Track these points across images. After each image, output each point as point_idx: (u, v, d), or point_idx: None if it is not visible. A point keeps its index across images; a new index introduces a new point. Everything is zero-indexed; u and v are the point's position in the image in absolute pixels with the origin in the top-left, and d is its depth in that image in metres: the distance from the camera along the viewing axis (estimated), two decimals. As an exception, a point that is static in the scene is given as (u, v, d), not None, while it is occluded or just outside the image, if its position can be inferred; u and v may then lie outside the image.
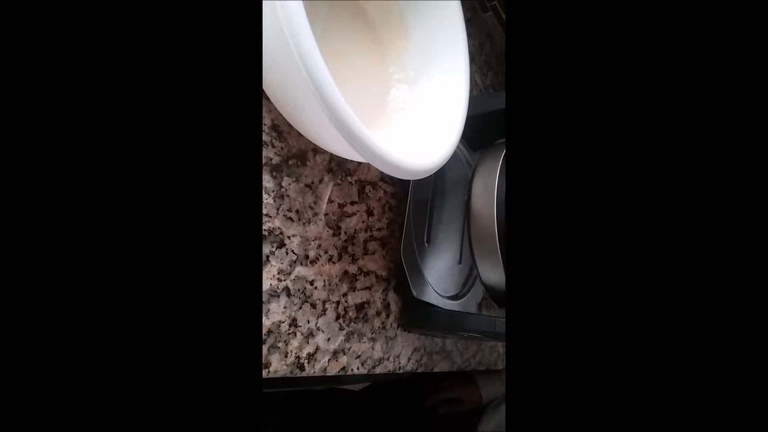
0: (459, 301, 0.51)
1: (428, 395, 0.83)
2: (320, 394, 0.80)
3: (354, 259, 0.40)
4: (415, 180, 0.45)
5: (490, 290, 0.41)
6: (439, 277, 0.48)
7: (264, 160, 0.32)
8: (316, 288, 0.36)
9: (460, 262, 0.55)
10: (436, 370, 0.52)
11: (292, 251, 0.34)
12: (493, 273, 0.40)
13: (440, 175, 0.52)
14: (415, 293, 0.42)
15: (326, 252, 0.37)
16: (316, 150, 0.37)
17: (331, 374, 0.36)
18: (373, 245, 0.43)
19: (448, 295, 0.50)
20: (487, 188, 0.41)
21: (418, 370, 0.48)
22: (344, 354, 0.37)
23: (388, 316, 0.44)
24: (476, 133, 0.54)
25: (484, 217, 0.40)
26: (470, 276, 0.55)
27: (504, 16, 0.76)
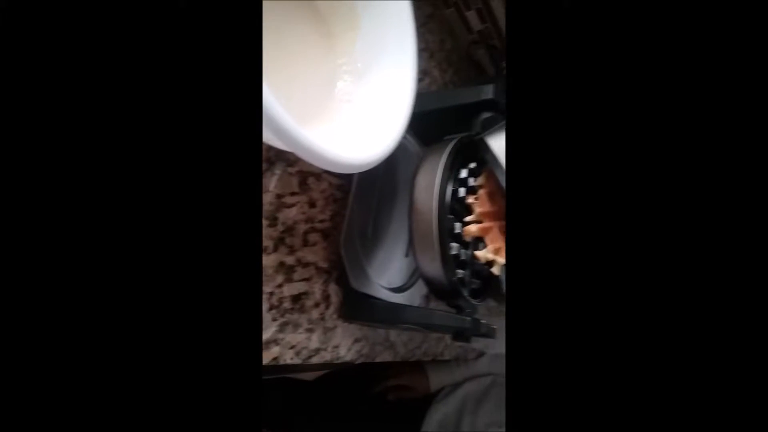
0: (403, 294, 0.52)
1: (378, 382, 0.85)
2: (272, 384, 0.80)
3: (292, 251, 0.40)
4: (359, 173, 0.45)
5: (428, 282, 0.42)
6: (382, 269, 0.49)
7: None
8: (249, 278, 0.35)
9: (407, 255, 0.56)
10: (378, 360, 0.53)
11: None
12: (431, 266, 0.41)
13: (390, 169, 0.52)
14: (353, 285, 0.42)
15: (262, 242, 0.37)
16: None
17: (263, 364, 0.36)
18: (314, 237, 0.43)
19: (391, 287, 0.51)
20: (429, 183, 0.41)
21: (358, 361, 0.49)
22: (276, 344, 0.38)
23: (327, 307, 0.44)
24: (429, 129, 0.55)
25: (424, 212, 0.41)
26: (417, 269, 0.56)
27: (466, 12, 0.77)
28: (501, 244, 0.43)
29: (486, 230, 0.43)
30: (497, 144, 0.42)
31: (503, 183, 0.40)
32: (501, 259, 0.42)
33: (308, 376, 0.89)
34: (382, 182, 0.51)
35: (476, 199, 0.45)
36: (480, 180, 0.46)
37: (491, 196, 0.47)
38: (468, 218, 0.43)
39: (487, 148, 0.41)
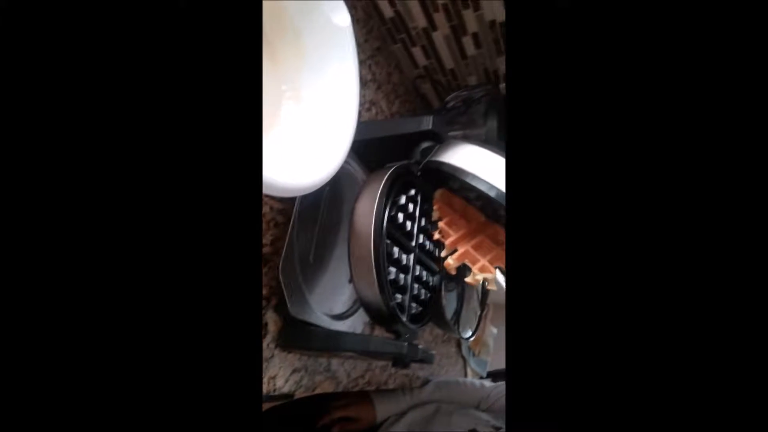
0: (345, 321, 0.52)
1: (323, 415, 0.82)
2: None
3: (227, 275, 0.38)
4: (301, 197, 0.45)
5: (366, 308, 0.42)
6: (323, 296, 0.48)
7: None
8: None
9: (351, 281, 0.56)
10: (318, 391, 0.51)
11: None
12: (369, 290, 0.41)
13: (335, 196, 0.53)
14: (291, 311, 0.41)
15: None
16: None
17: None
18: (252, 261, 0.41)
19: (333, 314, 0.50)
20: (368, 209, 0.42)
21: (297, 392, 0.47)
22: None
23: (264, 336, 0.42)
24: (374, 157, 0.56)
25: (362, 237, 0.41)
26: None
27: (411, 48, 0.81)
28: (482, 260, 0.45)
29: (463, 256, 0.45)
30: (454, 158, 0.45)
31: (478, 186, 0.41)
32: (490, 274, 0.44)
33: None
34: (327, 207, 0.51)
35: (440, 233, 0.47)
36: (435, 214, 0.48)
37: (451, 224, 0.48)
38: (443, 254, 0.45)
39: (443, 169, 0.44)
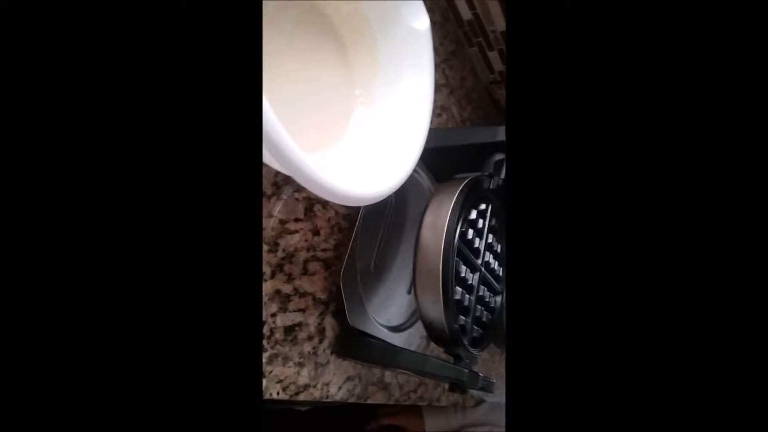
0: (402, 333, 0.50)
1: (371, 419, 0.81)
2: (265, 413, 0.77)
3: (290, 279, 0.38)
4: (366, 205, 0.44)
5: (427, 326, 0.40)
6: (382, 306, 0.47)
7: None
8: (241, 305, 0.34)
9: (410, 292, 0.54)
10: (370, 401, 0.50)
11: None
12: (432, 308, 0.39)
13: (399, 204, 0.51)
14: (350, 320, 0.41)
15: (259, 268, 0.35)
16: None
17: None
18: (314, 266, 0.41)
19: (390, 325, 0.49)
20: (437, 222, 0.40)
21: (349, 401, 0.46)
22: (263, 377, 0.36)
23: (321, 341, 0.42)
24: (443, 166, 0.54)
25: (430, 251, 0.39)
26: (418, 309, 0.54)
27: (488, 52, 0.77)
28: None
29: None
30: None
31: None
32: None
33: (301, 406, 0.86)
34: (391, 216, 0.50)
35: None
36: None
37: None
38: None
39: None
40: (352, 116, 0.42)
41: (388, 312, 0.49)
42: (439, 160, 0.53)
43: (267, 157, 0.33)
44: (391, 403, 0.55)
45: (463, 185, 0.42)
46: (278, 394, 0.38)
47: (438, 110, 0.69)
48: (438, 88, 0.71)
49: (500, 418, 0.82)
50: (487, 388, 0.38)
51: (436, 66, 0.70)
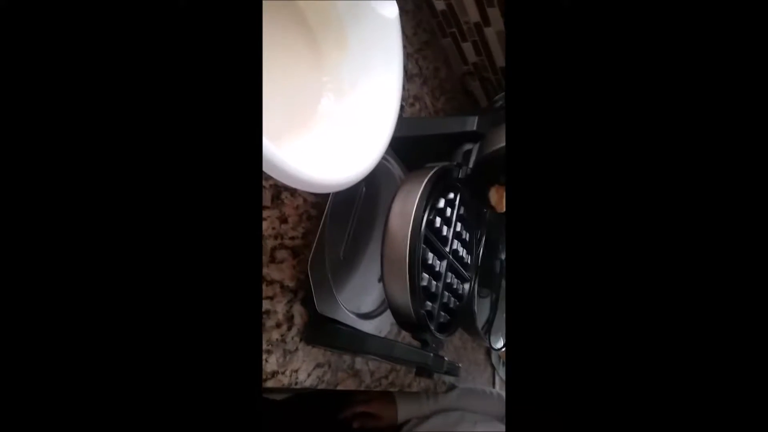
0: (373, 320, 0.51)
1: (345, 407, 0.82)
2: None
3: (256, 267, 0.38)
4: (335, 193, 0.44)
5: (395, 312, 0.41)
6: (352, 294, 0.48)
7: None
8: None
9: (380, 280, 0.54)
10: (340, 388, 0.51)
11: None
12: (399, 294, 0.39)
13: (371, 194, 0.52)
14: (318, 308, 0.41)
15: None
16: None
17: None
18: (282, 254, 0.41)
19: (360, 312, 0.49)
20: (405, 209, 0.40)
21: (319, 387, 0.47)
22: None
23: (290, 329, 0.42)
24: (413, 155, 0.55)
25: (397, 238, 0.40)
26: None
27: (462, 44, 0.78)
28: None
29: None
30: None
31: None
32: None
33: (277, 396, 0.86)
34: (362, 205, 0.50)
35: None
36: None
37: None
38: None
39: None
40: (320, 103, 0.42)
41: (359, 300, 0.49)
42: (411, 149, 0.53)
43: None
44: (362, 389, 0.55)
45: (431, 174, 0.42)
46: (245, 381, 0.38)
47: (411, 100, 0.69)
48: (411, 77, 0.71)
49: (471, 403, 0.84)
50: (453, 372, 0.39)
51: (410, 56, 0.70)
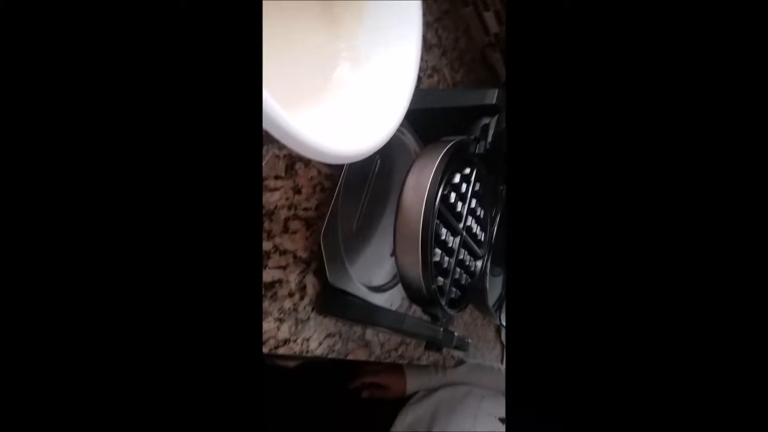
0: (384, 293, 0.51)
1: (355, 377, 0.84)
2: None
3: (269, 236, 0.38)
4: (349, 165, 0.44)
5: (406, 287, 0.41)
6: (364, 267, 0.48)
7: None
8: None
9: (392, 255, 0.54)
10: (350, 358, 0.52)
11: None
12: (411, 269, 0.39)
13: (385, 167, 0.51)
14: (330, 279, 0.41)
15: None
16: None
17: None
18: (295, 224, 0.41)
19: (372, 285, 0.49)
20: (419, 184, 0.40)
21: (329, 356, 0.48)
22: (241, 331, 0.36)
23: (302, 298, 0.43)
24: (430, 128, 0.53)
25: (410, 212, 0.39)
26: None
27: (484, 13, 0.75)
28: None
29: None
30: None
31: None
32: None
33: (289, 362, 0.88)
34: (376, 177, 0.49)
35: None
36: None
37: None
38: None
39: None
40: (336, 71, 0.41)
41: (371, 273, 0.49)
42: (427, 122, 0.52)
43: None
44: (372, 360, 0.56)
45: (447, 148, 0.41)
46: (258, 347, 0.38)
47: (429, 71, 0.67)
48: (430, 47, 0.68)
49: (479, 378, 0.85)
50: (462, 347, 0.39)
51: (429, 25, 0.67)
